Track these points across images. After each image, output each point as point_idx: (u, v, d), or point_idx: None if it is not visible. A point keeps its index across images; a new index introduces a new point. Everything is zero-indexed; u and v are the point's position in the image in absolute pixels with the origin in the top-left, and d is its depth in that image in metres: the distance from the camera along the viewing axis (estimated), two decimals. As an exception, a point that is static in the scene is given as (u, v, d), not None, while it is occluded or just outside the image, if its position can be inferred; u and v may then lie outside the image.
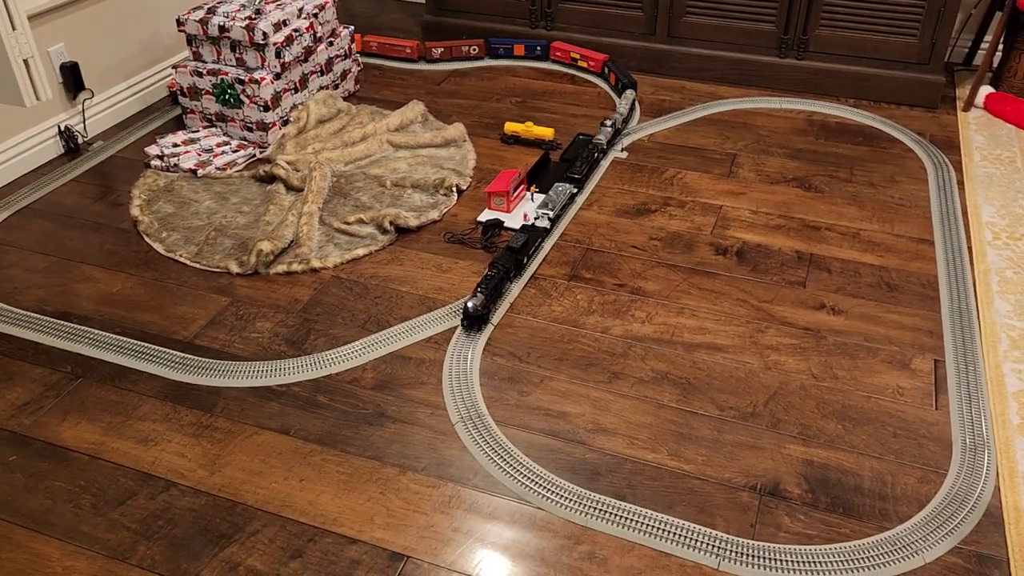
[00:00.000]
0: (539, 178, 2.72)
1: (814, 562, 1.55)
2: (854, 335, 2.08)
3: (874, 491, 1.68)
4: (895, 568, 1.53)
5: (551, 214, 2.40)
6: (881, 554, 1.56)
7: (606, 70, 3.21)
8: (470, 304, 2.06)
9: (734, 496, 1.68)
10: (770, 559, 1.55)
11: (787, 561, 1.55)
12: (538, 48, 3.41)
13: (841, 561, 1.55)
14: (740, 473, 1.73)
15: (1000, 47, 3.32)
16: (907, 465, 1.74)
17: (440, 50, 3.41)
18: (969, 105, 3.15)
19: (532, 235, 2.29)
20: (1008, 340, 2.05)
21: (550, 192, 2.48)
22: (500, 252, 2.22)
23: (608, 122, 2.85)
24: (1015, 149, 2.89)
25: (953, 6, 3.00)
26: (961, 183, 2.70)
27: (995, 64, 3.34)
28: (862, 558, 1.55)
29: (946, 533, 1.59)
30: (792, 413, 1.86)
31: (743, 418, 1.85)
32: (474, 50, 3.34)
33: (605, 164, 2.82)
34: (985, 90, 3.15)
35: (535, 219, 2.37)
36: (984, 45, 3.46)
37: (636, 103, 3.08)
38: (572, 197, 2.54)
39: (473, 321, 2.09)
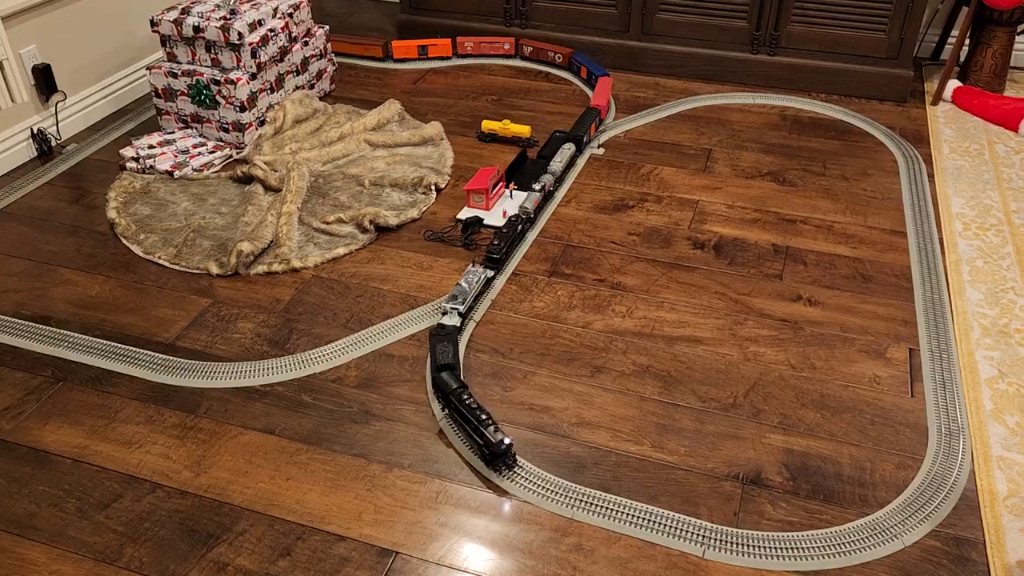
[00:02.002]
0: (517, 175, 2.74)
1: (797, 548, 1.58)
2: (831, 326, 2.12)
3: (853, 477, 1.72)
4: (876, 552, 1.57)
5: (461, 308, 2.08)
6: (862, 539, 1.59)
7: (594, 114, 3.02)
8: (506, 440, 1.72)
9: (717, 486, 1.71)
10: (754, 546, 1.58)
11: (770, 548, 1.58)
12: (595, 76, 3.28)
13: (823, 546, 1.58)
14: (722, 463, 1.75)
15: (966, 41, 3.39)
16: (885, 452, 1.77)
17: (530, 49, 3.38)
18: (937, 99, 3.21)
19: (449, 338, 1.97)
20: (980, 328, 2.10)
21: (460, 282, 2.13)
22: (445, 376, 1.86)
23: (537, 186, 2.53)
24: (983, 142, 2.95)
25: (921, 1, 3.05)
26: (931, 175, 2.75)
27: (962, 58, 3.41)
28: (843, 543, 1.59)
29: (924, 517, 1.63)
30: (772, 403, 1.90)
31: (724, 409, 1.88)
32: (559, 57, 3.29)
33: (582, 161, 2.84)
34: (953, 84, 3.21)
35: (443, 314, 2.06)
36: (951, 40, 3.53)
37: (575, 161, 2.76)
38: (488, 282, 2.22)
39: (507, 454, 1.74)
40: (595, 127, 2.84)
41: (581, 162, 2.83)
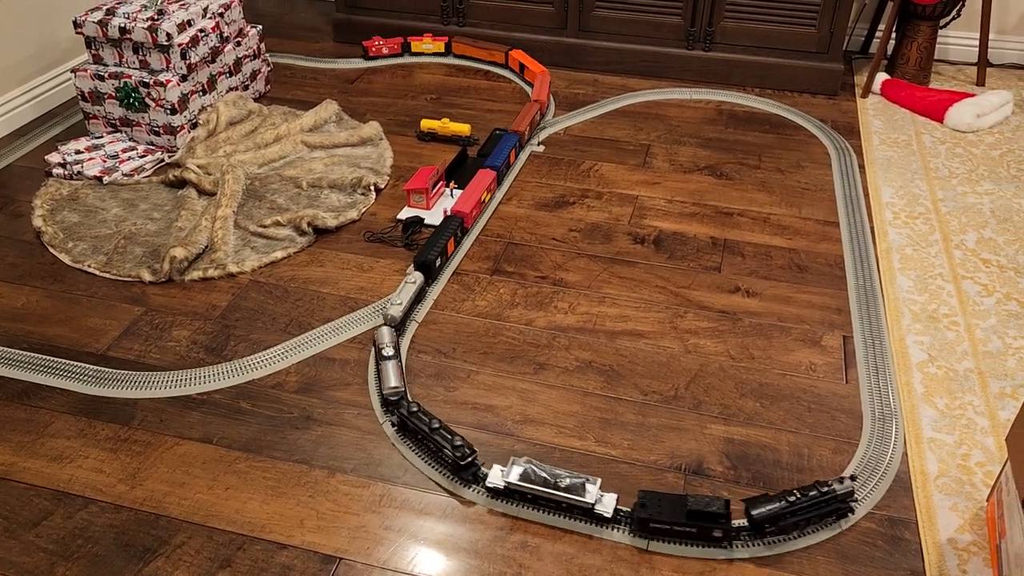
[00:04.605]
0: (457, 174, 2.73)
1: (739, 536, 1.60)
2: (768, 316, 2.16)
3: (792, 464, 1.75)
4: (815, 537, 1.60)
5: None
6: (801, 524, 1.62)
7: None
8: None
9: (660, 477, 1.72)
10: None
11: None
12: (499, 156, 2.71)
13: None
14: (665, 455, 1.77)
15: (893, 35, 3.48)
16: (822, 437, 1.81)
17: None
18: (867, 91, 3.28)
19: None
20: (910, 314, 2.15)
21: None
22: (699, 504, 1.56)
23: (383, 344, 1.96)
24: (910, 133, 3.03)
25: (848, -3, 3.13)
26: (862, 166, 2.82)
27: (889, 51, 3.50)
28: (783, 529, 1.61)
29: (860, 500, 1.67)
30: (712, 394, 1.92)
31: (666, 401, 1.90)
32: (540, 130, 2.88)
33: (523, 158, 2.84)
34: (881, 77, 3.30)
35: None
36: (879, 34, 3.62)
37: (423, 291, 2.18)
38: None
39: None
40: (454, 242, 2.33)
41: (522, 159, 2.83)
